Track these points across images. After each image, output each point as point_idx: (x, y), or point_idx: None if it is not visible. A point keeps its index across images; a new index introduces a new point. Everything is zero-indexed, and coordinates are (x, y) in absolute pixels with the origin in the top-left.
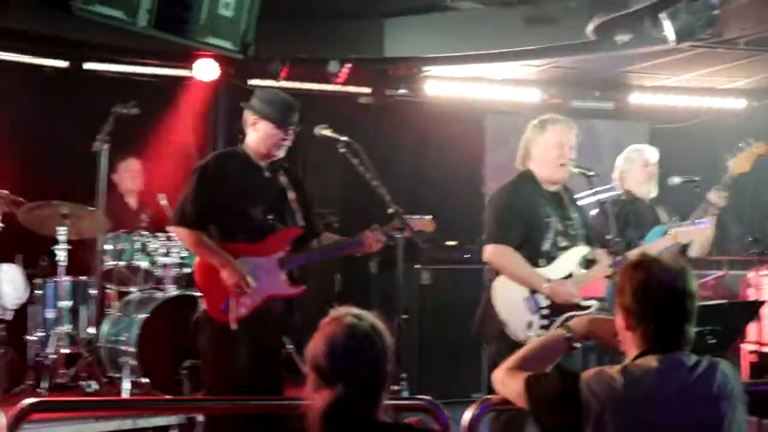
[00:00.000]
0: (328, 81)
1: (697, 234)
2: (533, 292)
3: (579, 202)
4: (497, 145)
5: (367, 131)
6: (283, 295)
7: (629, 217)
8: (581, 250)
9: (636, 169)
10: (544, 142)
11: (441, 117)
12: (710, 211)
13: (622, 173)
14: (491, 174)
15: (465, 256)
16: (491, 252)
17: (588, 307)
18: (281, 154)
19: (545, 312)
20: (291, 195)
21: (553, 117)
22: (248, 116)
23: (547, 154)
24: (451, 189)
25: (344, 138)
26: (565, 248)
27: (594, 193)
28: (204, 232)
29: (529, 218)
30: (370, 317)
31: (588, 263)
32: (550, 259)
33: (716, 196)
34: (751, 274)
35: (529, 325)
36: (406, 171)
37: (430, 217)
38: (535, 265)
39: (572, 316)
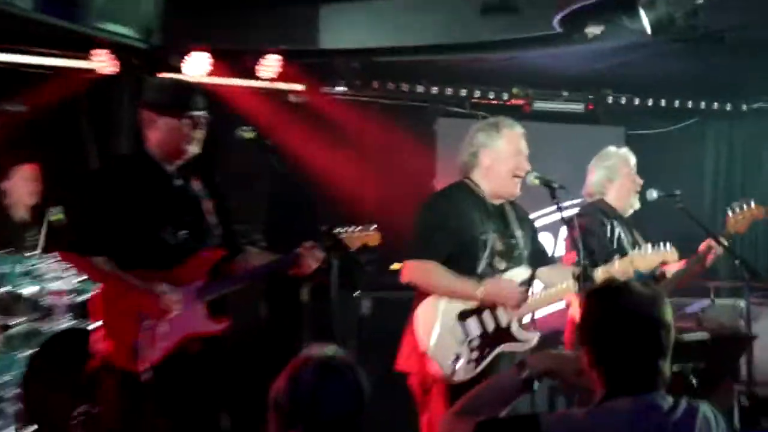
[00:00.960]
0: (252, 75)
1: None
2: (462, 317)
3: (539, 221)
4: (450, 152)
5: (299, 135)
6: (204, 333)
7: (616, 235)
8: (521, 273)
9: (623, 178)
10: (499, 149)
11: (385, 120)
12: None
13: (601, 184)
14: (444, 186)
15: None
16: (411, 269)
17: (528, 340)
18: (194, 150)
19: (475, 343)
20: (207, 205)
21: (509, 120)
22: (144, 115)
23: (502, 164)
24: (398, 204)
25: (269, 142)
26: (504, 270)
27: (558, 209)
28: (106, 257)
29: (460, 232)
30: (347, 357)
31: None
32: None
33: (707, 249)
34: (741, 303)
35: (457, 358)
36: (345, 182)
37: (374, 227)
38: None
39: (514, 354)
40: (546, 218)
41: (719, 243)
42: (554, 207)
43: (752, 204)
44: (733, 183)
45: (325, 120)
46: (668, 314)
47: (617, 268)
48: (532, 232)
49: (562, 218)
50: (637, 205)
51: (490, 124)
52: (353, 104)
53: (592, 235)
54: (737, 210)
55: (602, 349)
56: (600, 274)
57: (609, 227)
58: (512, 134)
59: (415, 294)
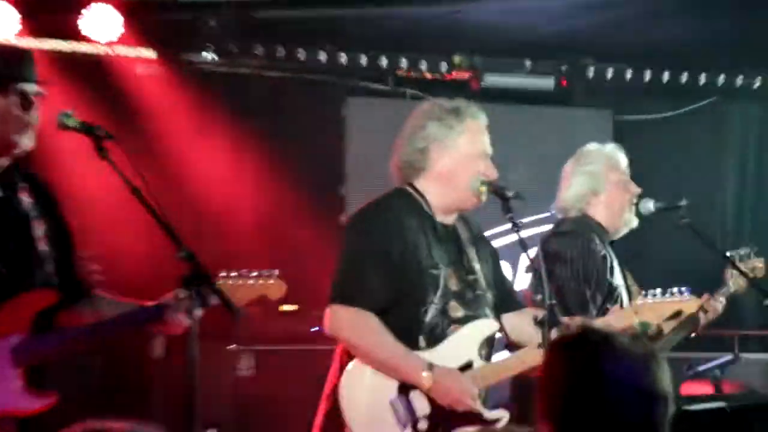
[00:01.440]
0: (80, 37)
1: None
2: (404, 389)
3: (493, 243)
4: (364, 145)
5: (150, 122)
6: (18, 413)
7: (604, 265)
8: (485, 327)
9: (612, 188)
10: (460, 147)
11: (273, 100)
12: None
13: (581, 197)
14: (354, 193)
15: (313, 329)
16: (337, 318)
17: (495, 421)
18: (26, 144)
19: (423, 426)
20: (39, 228)
21: (472, 106)
22: None
23: (463, 168)
24: (289, 216)
25: (100, 131)
26: (462, 320)
27: (514, 227)
28: None
29: (403, 265)
30: None
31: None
32: (436, 336)
33: (732, 279)
34: None
35: None
36: (214, 186)
37: (276, 273)
38: (412, 345)
39: None
40: (502, 239)
41: (741, 273)
42: (510, 224)
43: (752, 253)
44: (766, 186)
45: (187, 100)
46: (666, 382)
47: (615, 321)
48: (494, 262)
49: (520, 241)
50: (633, 224)
51: (448, 110)
52: (226, 78)
53: (580, 266)
54: (740, 254)
55: (573, 425)
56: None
57: (604, 253)
58: (477, 126)
59: (340, 349)
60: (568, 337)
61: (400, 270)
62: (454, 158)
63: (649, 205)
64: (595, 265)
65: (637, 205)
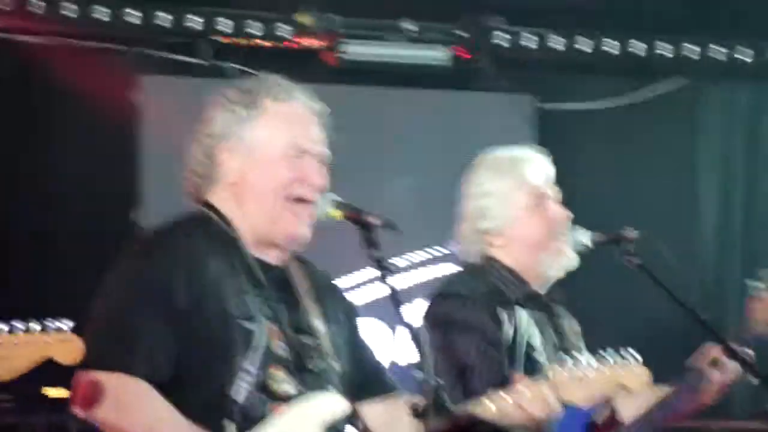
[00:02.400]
0: None
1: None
2: None
3: (361, 293)
4: (167, 141)
5: None
6: None
7: (519, 334)
8: (332, 406)
9: (527, 214)
10: (251, 142)
11: (28, 80)
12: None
13: (480, 229)
14: (152, 217)
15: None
16: (93, 391)
17: None
18: None
19: None
20: None
21: (283, 83)
22: None
23: (257, 174)
24: (61, 241)
25: None
26: (292, 398)
27: (383, 272)
28: None
29: (196, 315)
30: None
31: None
32: (251, 420)
33: (711, 361)
34: None
35: None
36: None
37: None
38: (214, 429)
39: None
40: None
41: (725, 347)
42: (375, 267)
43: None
44: (758, 197)
45: None
46: None
47: (514, 401)
48: (349, 323)
49: (391, 291)
50: (569, 263)
51: (242, 91)
52: None
53: (467, 339)
54: (764, 287)
55: None
56: (482, 409)
57: (507, 320)
58: (284, 112)
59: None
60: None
61: (191, 321)
62: (244, 161)
63: (581, 238)
64: (491, 333)
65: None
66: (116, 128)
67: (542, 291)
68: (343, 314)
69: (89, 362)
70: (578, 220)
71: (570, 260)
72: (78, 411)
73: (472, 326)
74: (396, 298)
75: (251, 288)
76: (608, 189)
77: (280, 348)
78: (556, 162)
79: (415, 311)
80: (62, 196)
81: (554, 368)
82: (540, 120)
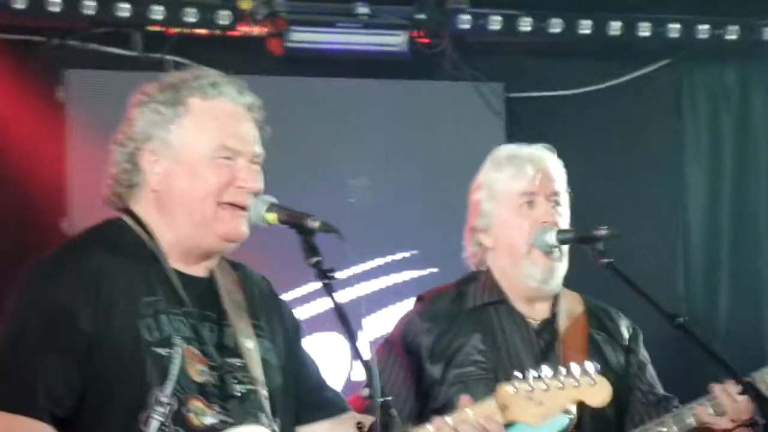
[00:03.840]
0: None
1: None
2: None
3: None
4: (95, 149)
5: None
6: None
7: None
8: None
9: (507, 218)
10: (173, 142)
11: None
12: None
13: (475, 236)
14: (78, 196)
15: None
16: None
17: None
18: None
19: None
20: None
21: (212, 75)
22: None
23: (181, 176)
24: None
25: None
26: (210, 430)
27: (323, 280)
28: None
29: (103, 342)
30: None
31: None
32: None
33: (707, 414)
34: None
35: None
36: None
37: None
38: None
39: None
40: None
41: (736, 379)
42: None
43: None
44: (749, 184)
45: None
46: None
47: (453, 425)
48: (289, 338)
49: (333, 303)
50: (558, 282)
51: (165, 87)
52: None
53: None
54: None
55: None
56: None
57: (451, 337)
58: (214, 109)
59: None
60: None
61: (98, 348)
62: (168, 166)
63: (547, 237)
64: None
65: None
66: (41, 132)
67: (525, 307)
68: (281, 326)
69: None
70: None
71: (556, 271)
72: None
73: (413, 349)
74: (339, 310)
75: (169, 307)
76: (586, 183)
77: (200, 374)
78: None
79: (372, 321)
80: None
81: (501, 386)
82: (508, 110)
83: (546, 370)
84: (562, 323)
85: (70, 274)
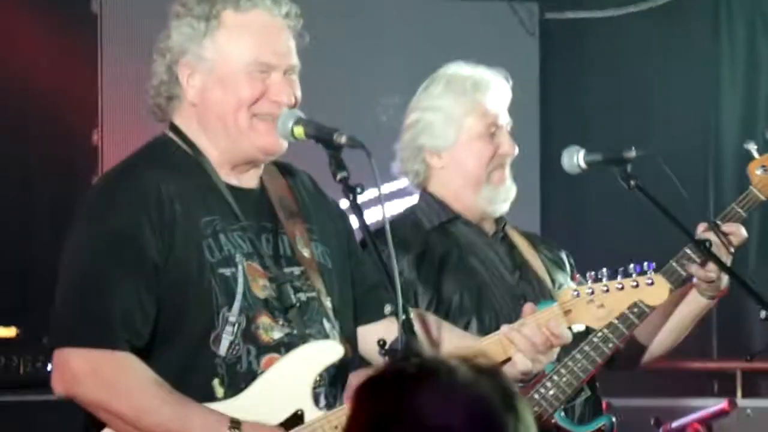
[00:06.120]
0: None
1: (626, 300)
2: None
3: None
4: (127, 66)
5: None
6: None
7: (447, 265)
8: (324, 352)
9: (468, 142)
10: (208, 56)
11: None
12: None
13: (417, 156)
14: (110, 108)
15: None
16: (69, 370)
17: None
18: None
19: None
20: None
21: None
22: None
23: (217, 91)
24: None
25: None
26: (280, 345)
27: (349, 194)
28: None
29: (169, 267)
30: None
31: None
32: (240, 376)
33: (711, 234)
34: None
35: None
36: None
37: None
38: (201, 395)
39: None
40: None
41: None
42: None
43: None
44: None
45: None
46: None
47: (527, 332)
48: (345, 240)
49: (357, 213)
50: (508, 196)
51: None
52: None
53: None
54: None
55: None
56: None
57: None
58: (248, 22)
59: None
60: (378, 374)
61: (165, 274)
62: (204, 80)
63: (575, 159)
64: (433, 256)
65: (555, 161)
66: (74, 48)
67: (487, 227)
68: (333, 227)
69: (59, 340)
70: (586, 140)
71: (510, 194)
72: (59, 391)
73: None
74: (365, 227)
75: (226, 224)
76: (620, 106)
77: (263, 289)
78: (561, 78)
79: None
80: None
81: (564, 290)
82: (543, 31)
83: (604, 271)
84: (515, 238)
85: (130, 201)
